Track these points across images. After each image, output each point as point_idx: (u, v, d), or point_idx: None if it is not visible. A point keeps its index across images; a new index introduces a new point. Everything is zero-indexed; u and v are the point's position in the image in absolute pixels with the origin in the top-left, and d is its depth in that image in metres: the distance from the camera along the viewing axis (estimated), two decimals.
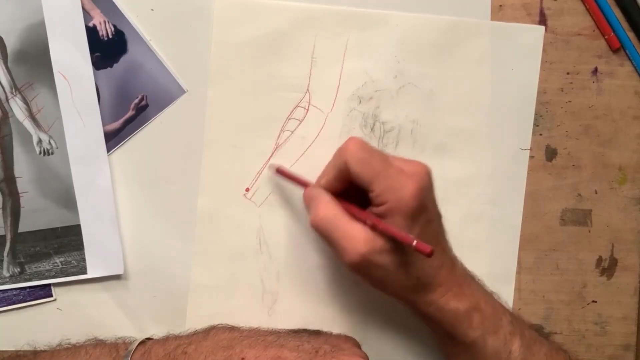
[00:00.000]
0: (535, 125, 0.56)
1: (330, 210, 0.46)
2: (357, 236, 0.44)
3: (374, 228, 0.45)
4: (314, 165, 0.53)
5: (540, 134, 0.56)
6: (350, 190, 0.48)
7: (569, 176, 0.57)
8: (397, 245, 0.45)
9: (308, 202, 0.49)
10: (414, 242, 0.42)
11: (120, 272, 0.53)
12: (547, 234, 0.57)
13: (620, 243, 0.57)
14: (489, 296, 0.50)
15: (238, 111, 0.53)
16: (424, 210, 0.45)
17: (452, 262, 0.49)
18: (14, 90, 0.50)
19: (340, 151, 0.47)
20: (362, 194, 0.47)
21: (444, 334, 0.49)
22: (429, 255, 0.42)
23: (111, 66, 0.51)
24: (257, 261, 0.54)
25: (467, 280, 0.49)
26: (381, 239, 0.45)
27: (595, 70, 0.56)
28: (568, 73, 0.56)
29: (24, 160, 0.51)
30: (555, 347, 0.51)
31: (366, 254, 0.44)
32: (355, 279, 0.54)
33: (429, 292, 0.47)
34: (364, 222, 0.45)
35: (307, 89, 0.53)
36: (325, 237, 0.46)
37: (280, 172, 0.52)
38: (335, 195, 0.48)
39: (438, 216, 0.48)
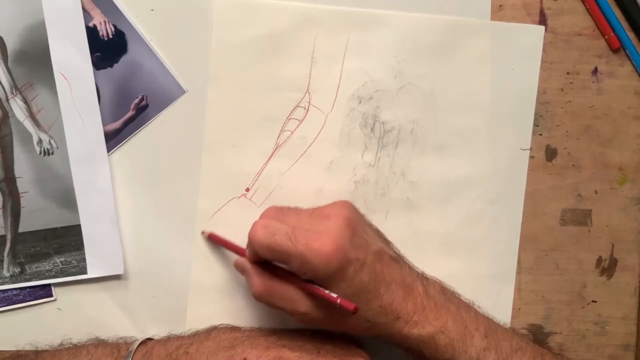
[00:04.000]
0: (535, 125, 0.56)
1: (263, 283, 0.47)
2: (294, 299, 0.47)
3: (303, 290, 0.47)
4: (313, 165, 0.54)
5: (541, 134, 0.56)
6: None
7: (569, 176, 0.57)
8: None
9: (241, 273, 0.51)
10: (338, 301, 0.44)
11: (120, 272, 0.53)
12: (547, 234, 0.57)
13: (620, 243, 0.57)
14: (460, 312, 0.49)
15: (238, 111, 0.53)
16: (347, 265, 0.45)
17: (408, 290, 0.48)
18: (14, 90, 0.50)
19: (249, 239, 0.47)
20: None
21: (415, 358, 0.49)
22: (354, 312, 0.44)
23: (111, 66, 0.51)
24: None
25: (431, 301, 0.48)
26: (315, 297, 0.46)
27: (596, 70, 0.56)
28: (568, 73, 0.56)
29: (24, 160, 0.51)
30: (543, 352, 0.50)
31: (306, 313, 0.47)
32: None
33: (388, 327, 0.47)
34: (294, 285, 0.47)
35: (307, 89, 0.53)
36: (269, 306, 0.48)
37: (212, 239, 0.53)
38: (263, 263, 0.48)
39: (373, 254, 0.47)
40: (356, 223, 0.48)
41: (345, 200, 0.50)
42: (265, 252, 0.46)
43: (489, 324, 0.50)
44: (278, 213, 0.50)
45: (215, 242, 0.53)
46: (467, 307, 0.51)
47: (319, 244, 0.45)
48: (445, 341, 0.47)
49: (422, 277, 0.50)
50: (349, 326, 0.48)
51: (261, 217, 0.50)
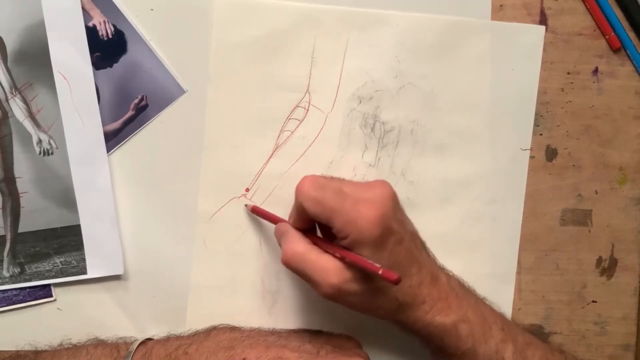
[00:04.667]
0: (536, 125, 0.56)
1: (299, 246, 0.46)
2: (327, 268, 0.45)
3: (342, 259, 0.45)
4: (313, 165, 0.53)
5: (541, 134, 0.56)
6: (318, 223, 0.48)
7: (569, 176, 0.57)
8: (367, 274, 0.45)
9: (278, 238, 0.49)
10: (380, 271, 0.42)
11: (120, 272, 0.53)
12: (547, 234, 0.57)
13: (620, 243, 0.57)
14: (478, 305, 0.50)
15: (238, 111, 0.53)
16: (389, 234, 0.45)
17: (434, 277, 0.48)
18: (13, 90, 0.50)
19: (296, 193, 0.47)
20: (328, 227, 0.47)
21: (435, 348, 0.49)
22: (396, 282, 0.42)
23: (111, 66, 0.51)
24: (257, 261, 0.54)
25: (453, 292, 0.48)
26: (351, 269, 0.45)
27: (596, 70, 0.56)
28: (568, 73, 0.56)
29: (24, 160, 0.51)
30: (552, 348, 0.51)
31: (338, 285, 0.44)
32: None
33: (413, 311, 0.47)
34: (333, 255, 0.45)
35: (307, 89, 0.53)
36: (297, 273, 0.46)
37: (254, 211, 0.52)
38: (304, 231, 0.48)
39: (410, 234, 0.48)
40: (398, 200, 0.47)
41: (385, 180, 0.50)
42: (312, 205, 0.45)
43: (503, 318, 0.50)
44: (322, 178, 0.49)
45: (259, 214, 0.52)
46: (483, 302, 0.51)
47: (366, 207, 0.44)
48: (467, 331, 0.47)
49: (444, 269, 0.50)
50: (377, 305, 0.46)
51: (305, 177, 0.48)
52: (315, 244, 0.47)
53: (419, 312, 0.47)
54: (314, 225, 0.49)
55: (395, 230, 0.45)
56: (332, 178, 0.50)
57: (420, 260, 0.48)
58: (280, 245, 0.49)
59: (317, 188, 0.45)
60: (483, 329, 0.48)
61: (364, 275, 0.45)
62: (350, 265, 0.45)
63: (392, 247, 0.45)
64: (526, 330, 0.51)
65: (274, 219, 0.51)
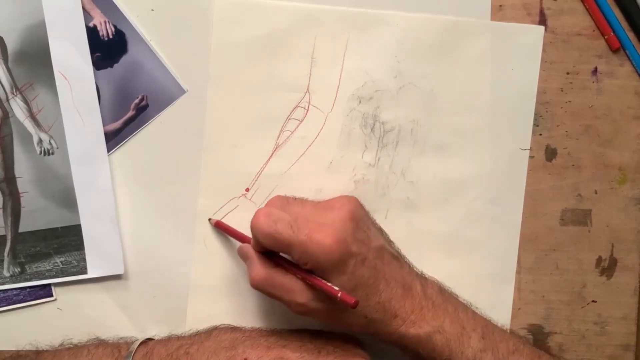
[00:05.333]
0: (535, 125, 0.56)
1: (263, 271, 0.47)
2: (293, 289, 0.47)
3: (304, 281, 0.46)
4: (313, 165, 0.53)
5: (540, 134, 0.56)
6: None
7: (569, 176, 0.57)
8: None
9: (243, 260, 0.51)
10: (339, 294, 0.44)
11: (120, 272, 0.53)
12: (547, 234, 0.57)
13: (620, 243, 0.57)
14: (458, 312, 0.49)
15: (238, 111, 0.53)
16: (348, 258, 0.45)
17: (407, 288, 0.48)
18: (14, 90, 0.50)
19: (251, 228, 0.47)
20: None
21: (412, 358, 0.49)
22: (354, 306, 0.43)
23: (111, 66, 0.51)
24: None
25: (428, 301, 0.48)
26: (314, 289, 0.46)
27: (595, 70, 0.56)
28: (568, 73, 0.56)
29: (24, 160, 0.51)
30: (540, 354, 0.50)
31: (305, 304, 0.46)
32: None
33: (385, 325, 0.47)
34: (296, 275, 0.47)
35: (307, 89, 0.53)
36: (267, 295, 0.48)
37: (218, 225, 0.53)
38: (266, 253, 0.48)
39: (375, 251, 0.47)
40: (360, 218, 0.48)
41: (351, 196, 0.51)
42: (267, 241, 0.46)
43: (486, 325, 0.50)
44: (283, 202, 0.50)
45: (222, 229, 0.53)
46: (465, 308, 0.51)
47: (322, 235, 0.45)
48: (442, 341, 0.47)
49: (421, 277, 0.50)
50: (346, 321, 0.47)
51: (266, 205, 0.50)
52: (278, 264, 0.48)
53: (391, 326, 0.47)
54: None
55: (354, 252, 0.46)
56: (290, 202, 0.50)
57: (388, 275, 0.48)
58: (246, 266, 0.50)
59: (270, 223, 0.46)
60: (460, 339, 0.48)
61: (326, 296, 0.46)
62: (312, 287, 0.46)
63: (354, 269, 0.46)
64: (514, 337, 0.51)
65: (238, 237, 0.51)
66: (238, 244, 0.53)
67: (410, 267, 0.51)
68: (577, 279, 0.57)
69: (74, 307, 0.53)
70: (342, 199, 0.49)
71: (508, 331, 0.52)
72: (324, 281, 0.45)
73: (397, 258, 0.50)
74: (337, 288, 0.44)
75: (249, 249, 0.49)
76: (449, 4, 0.53)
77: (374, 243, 0.48)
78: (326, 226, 0.46)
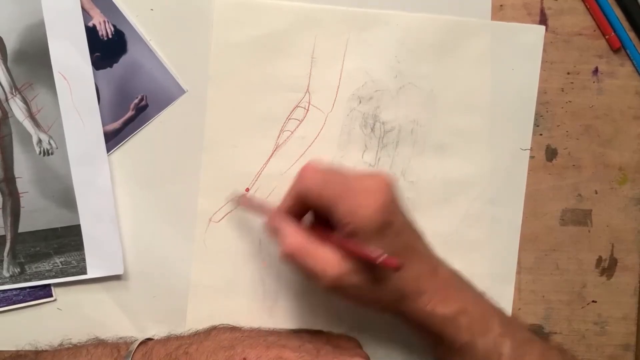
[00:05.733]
0: (536, 125, 0.56)
1: (297, 240, 0.45)
2: (327, 260, 0.44)
3: (341, 249, 0.45)
4: None
5: (541, 134, 0.56)
6: (313, 210, 0.48)
7: (569, 176, 0.57)
8: (368, 264, 0.45)
9: (272, 233, 0.48)
10: (380, 259, 0.42)
11: (120, 272, 0.53)
12: (547, 234, 0.57)
13: (620, 243, 0.57)
14: (478, 298, 0.49)
15: (238, 111, 0.53)
16: (389, 224, 0.45)
17: (434, 267, 0.48)
18: (13, 90, 0.50)
19: (298, 177, 0.46)
20: (324, 214, 0.46)
21: (434, 339, 0.49)
22: (397, 269, 0.42)
23: (111, 66, 0.51)
24: (257, 261, 0.54)
25: (453, 283, 0.48)
26: (352, 260, 0.44)
27: (596, 70, 0.56)
28: (568, 73, 0.56)
29: (24, 161, 0.51)
30: (550, 346, 0.51)
31: (339, 277, 0.44)
32: None
33: (413, 302, 0.47)
34: (331, 244, 0.45)
35: (307, 89, 0.53)
36: (298, 267, 0.46)
37: (242, 201, 0.52)
38: (298, 220, 0.47)
39: (409, 225, 0.47)
40: (397, 192, 0.47)
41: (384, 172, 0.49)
42: (315, 193, 0.45)
43: (502, 313, 0.50)
44: (324, 164, 0.48)
45: (246, 206, 0.52)
46: (482, 294, 0.51)
47: (368, 196, 0.44)
48: (466, 323, 0.47)
49: (443, 261, 0.50)
50: (377, 297, 0.46)
51: (307, 163, 0.48)
52: (312, 235, 0.46)
53: (419, 303, 0.47)
54: (307, 211, 0.48)
55: (395, 220, 0.45)
56: (332, 166, 0.49)
57: (419, 251, 0.48)
58: (273, 239, 0.48)
59: (321, 174, 0.45)
60: (482, 322, 0.48)
61: (364, 266, 0.44)
62: (349, 256, 0.44)
63: (392, 237, 0.45)
64: (526, 327, 0.51)
65: (265, 210, 0.50)
66: (238, 244, 0.53)
67: (433, 250, 0.50)
68: (577, 279, 0.57)
69: (74, 307, 0.53)
70: (380, 172, 0.48)
71: (520, 321, 0.52)
72: (364, 246, 0.44)
73: (424, 239, 0.49)
74: (377, 252, 0.43)
75: (278, 219, 0.48)
76: (449, 4, 0.53)
77: (408, 218, 0.48)
78: (371, 190, 0.45)
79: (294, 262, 0.45)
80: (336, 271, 0.44)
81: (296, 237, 0.45)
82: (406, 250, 0.46)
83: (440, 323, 0.47)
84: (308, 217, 0.49)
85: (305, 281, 0.54)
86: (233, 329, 0.52)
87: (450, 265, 0.51)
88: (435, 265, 0.48)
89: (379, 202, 0.44)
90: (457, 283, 0.49)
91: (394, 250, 0.44)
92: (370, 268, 0.45)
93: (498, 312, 0.50)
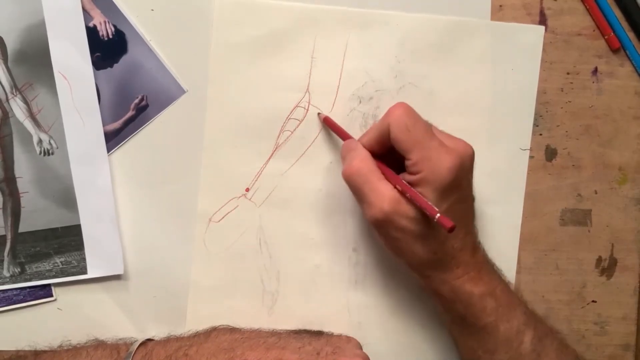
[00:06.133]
0: (535, 125, 0.56)
1: (364, 164, 0.46)
2: (385, 194, 0.45)
3: (402, 193, 0.45)
4: (313, 165, 0.53)
5: (540, 134, 0.56)
6: (389, 154, 0.48)
7: (569, 176, 0.57)
8: (421, 215, 0.45)
9: (345, 154, 0.49)
10: (437, 215, 0.43)
11: (120, 272, 0.53)
12: (547, 234, 0.57)
13: (620, 243, 0.57)
14: (506, 286, 0.50)
15: (238, 111, 0.53)
16: (457, 188, 0.46)
17: (475, 247, 0.49)
18: (14, 90, 0.50)
19: (386, 114, 0.47)
20: (399, 160, 0.47)
21: (455, 315, 0.49)
22: (450, 230, 0.42)
23: (111, 66, 0.51)
24: (257, 261, 0.54)
25: (486, 266, 0.49)
26: (407, 204, 0.45)
27: (595, 70, 0.56)
28: (568, 73, 0.56)
29: (24, 161, 0.51)
30: (567, 344, 0.51)
31: (390, 214, 0.45)
32: (357, 278, 0.54)
33: (445, 271, 0.47)
34: (394, 186, 0.46)
35: (307, 89, 0.53)
36: (354, 189, 0.47)
37: (326, 121, 0.52)
38: (373, 154, 0.48)
39: (470, 198, 0.49)
40: (473, 164, 0.48)
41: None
42: (400, 130, 0.46)
43: (526, 304, 0.51)
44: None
45: (329, 125, 0.52)
46: (509, 284, 0.51)
47: (447, 153, 0.45)
48: (493, 305, 0.48)
49: (482, 245, 0.51)
50: (415, 250, 0.47)
51: (399, 102, 0.49)
52: (380, 170, 0.47)
53: (450, 274, 0.47)
54: (384, 151, 0.48)
55: (462, 187, 0.46)
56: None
57: (469, 226, 0.48)
58: (343, 160, 0.49)
59: (410, 116, 0.46)
60: (508, 308, 0.48)
61: (416, 215, 0.45)
62: (408, 200, 0.45)
63: (454, 202, 0.46)
64: (546, 322, 0.52)
65: (343, 135, 0.51)
66: (238, 244, 0.53)
67: (478, 230, 0.51)
68: (577, 279, 0.57)
69: (74, 307, 0.53)
70: (465, 141, 0.48)
71: (540, 315, 0.52)
72: (424, 198, 0.44)
73: (475, 218, 0.50)
74: (436, 208, 0.43)
75: (357, 144, 0.49)
76: (449, 4, 0.53)
77: (472, 192, 0.49)
78: (453, 149, 0.46)
79: (353, 183, 0.47)
80: (388, 207, 0.45)
81: (364, 161, 0.47)
82: (461, 219, 0.46)
83: (466, 300, 0.47)
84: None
85: (309, 276, 0.54)
86: (233, 330, 0.52)
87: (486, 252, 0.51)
88: (476, 245, 0.49)
89: (456, 163, 0.45)
90: (490, 269, 0.50)
91: (450, 215, 0.44)
92: (420, 220, 0.45)
93: (523, 303, 0.50)
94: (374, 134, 0.48)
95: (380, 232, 0.47)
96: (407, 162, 0.46)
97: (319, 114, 0.53)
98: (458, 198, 0.46)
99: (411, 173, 0.46)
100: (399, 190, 0.45)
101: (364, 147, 0.48)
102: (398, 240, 0.47)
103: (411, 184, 0.46)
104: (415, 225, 0.45)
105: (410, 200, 0.45)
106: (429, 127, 0.47)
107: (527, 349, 0.48)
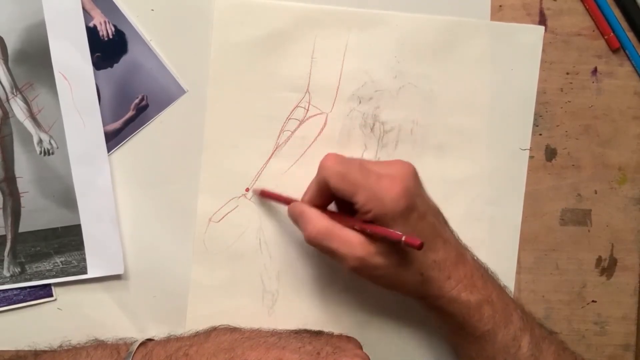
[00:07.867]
0: (535, 125, 0.56)
1: (321, 223, 0.46)
2: (352, 242, 0.45)
3: (363, 232, 0.45)
4: (314, 165, 0.53)
5: (540, 134, 0.56)
6: (335, 200, 0.49)
7: (569, 176, 0.57)
8: (391, 246, 0.45)
9: (295, 218, 0.49)
10: (403, 238, 0.43)
11: (120, 272, 0.53)
12: (547, 234, 0.57)
13: (620, 243, 0.57)
14: (501, 290, 0.50)
15: (238, 111, 0.53)
16: (412, 209, 0.45)
17: (460, 254, 0.48)
18: (14, 90, 0.50)
19: (320, 169, 0.47)
20: (347, 204, 0.47)
21: (454, 326, 0.49)
22: (419, 247, 0.42)
23: (111, 66, 0.51)
24: (257, 261, 0.54)
25: (478, 272, 0.49)
26: (376, 242, 0.45)
27: (595, 71, 0.56)
28: (568, 73, 0.56)
29: (25, 160, 0.51)
30: (565, 347, 0.51)
31: (364, 257, 0.45)
32: (357, 278, 0.54)
33: (438, 286, 0.47)
34: (354, 228, 0.46)
35: (307, 89, 0.53)
36: (323, 250, 0.47)
37: (263, 194, 0.53)
38: (320, 208, 0.48)
39: (433, 210, 0.48)
40: (419, 177, 0.48)
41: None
42: (336, 180, 0.46)
43: (523, 308, 0.51)
44: (343, 157, 0.49)
45: (267, 197, 0.53)
46: (504, 288, 0.51)
47: (389, 182, 0.45)
48: (490, 313, 0.47)
49: (469, 249, 0.51)
50: (402, 279, 0.47)
51: (328, 154, 0.49)
52: (333, 219, 0.47)
53: (444, 287, 0.47)
54: (329, 202, 0.49)
55: (417, 205, 0.46)
56: (350, 158, 0.50)
57: (444, 235, 0.48)
58: (297, 225, 0.49)
59: (342, 163, 0.46)
60: (505, 314, 0.48)
61: (389, 248, 0.45)
62: (374, 238, 0.45)
63: (415, 222, 0.45)
64: (543, 325, 0.51)
65: (285, 200, 0.51)
66: (238, 244, 0.53)
67: (458, 238, 0.51)
68: (577, 279, 0.57)
69: (74, 307, 0.53)
70: (400, 160, 0.48)
71: (537, 318, 0.52)
72: (385, 227, 0.44)
73: (448, 225, 0.50)
74: (399, 232, 0.43)
75: (302, 205, 0.48)
76: (449, 4, 0.53)
77: (431, 202, 0.48)
78: (392, 176, 0.46)
79: (319, 245, 0.46)
80: (360, 252, 0.45)
81: (319, 221, 0.46)
82: (430, 235, 0.46)
83: (464, 309, 0.47)
84: (331, 207, 0.50)
85: (309, 276, 0.54)
86: (233, 330, 0.52)
87: (476, 256, 0.51)
88: (461, 252, 0.49)
89: (400, 188, 0.45)
90: (483, 273, 0.49)
91: (418, 234, 0.44)
92: (394, 250, 0.45)
93: (519, 306, 0.50)
94: (314, 191, 0.48)
95: (363, 276, 0.47)
96: (356, 206, 0.46)
97: (254, 189, 0.53)
98: (418, 216, 0.46)
99: (363, 213, 0.45)
100: (359, 231, 0.45)
101: (310, 204, 0.48)
102: (383, 277, 0.47)
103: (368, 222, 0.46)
104: (391, 257, 0.45)
105: (374, 236, 0.45)
106: (362, 166, 0.46)
107: (524, 354, 0.48)
